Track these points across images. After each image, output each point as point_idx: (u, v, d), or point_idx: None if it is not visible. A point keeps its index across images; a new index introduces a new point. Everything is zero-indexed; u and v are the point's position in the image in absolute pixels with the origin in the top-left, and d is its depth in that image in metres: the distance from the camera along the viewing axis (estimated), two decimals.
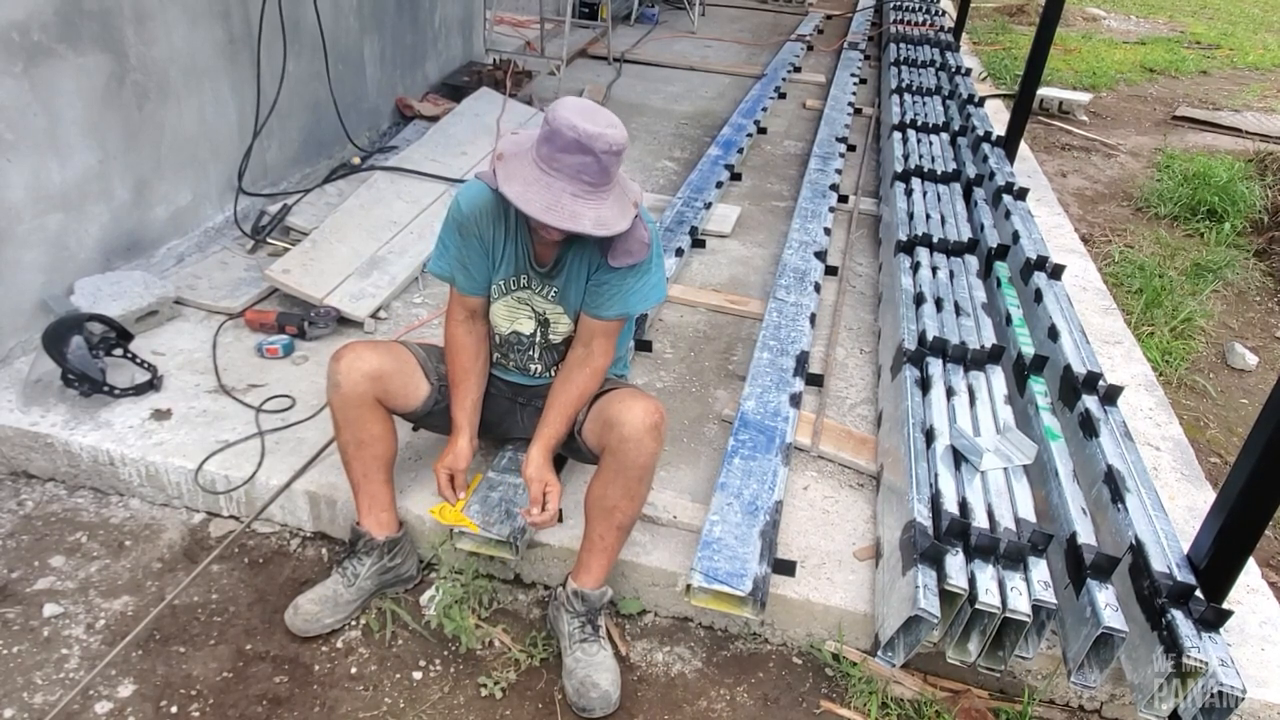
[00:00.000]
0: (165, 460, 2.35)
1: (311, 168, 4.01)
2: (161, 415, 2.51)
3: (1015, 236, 3.48)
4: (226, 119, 3.43)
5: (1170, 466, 2.67)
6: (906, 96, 5.48)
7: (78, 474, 2.44)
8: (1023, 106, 4.57)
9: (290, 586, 2.19)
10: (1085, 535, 1.98)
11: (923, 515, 2.01)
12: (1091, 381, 2.49)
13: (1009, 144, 4.68)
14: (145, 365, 2.61)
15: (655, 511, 2.26)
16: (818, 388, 2.88)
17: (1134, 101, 7.99)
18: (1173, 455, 2.72)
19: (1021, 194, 3.95)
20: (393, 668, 2.02)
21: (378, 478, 2.08)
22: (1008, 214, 3.70)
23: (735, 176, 4.64)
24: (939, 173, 4.16)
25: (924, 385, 2.52)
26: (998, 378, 2.59)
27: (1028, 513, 2.05)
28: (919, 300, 2.97)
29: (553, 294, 2.04)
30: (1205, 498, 2.53)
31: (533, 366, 2.18)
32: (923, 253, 3.33)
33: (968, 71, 6.31)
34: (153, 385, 2.59)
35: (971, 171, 4.23)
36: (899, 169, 4.22)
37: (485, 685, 1.97)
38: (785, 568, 2.11)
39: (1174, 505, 2.48)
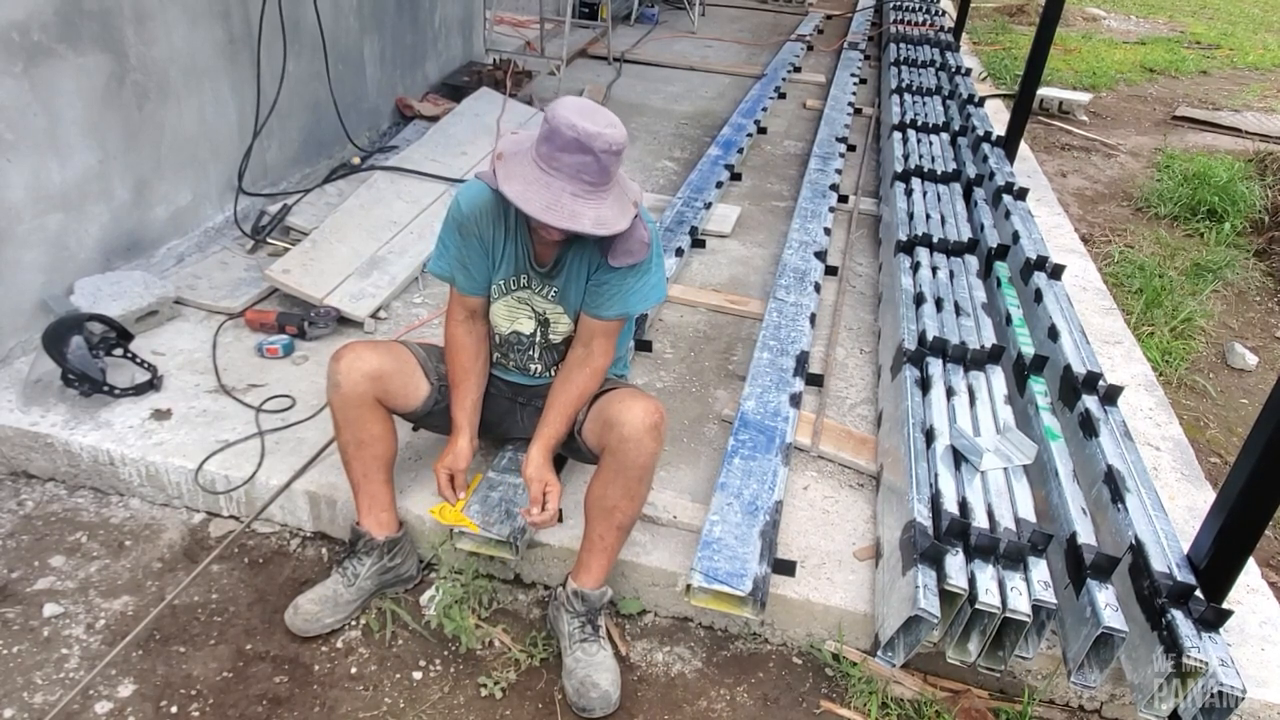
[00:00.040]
0: (165, 460, 2.35)
1: (311, 168, 4.01)
2: (161, 415, 2.51)
3: (1015, 236, 3.48)
4: (226, 119, 3.43)
5: (1170, 466, 2.67)
6: (906, 96, 5.48)
7: (78, 474, 2.44)
8: (1023, 106, 4.57)
9: (290, 586, 2.19)
10: (1085, 535, 1.98)
11: (923, 515, 2.01)
12: (1091, 381, 2.49)
13: (1009, 144, 4.68)
14: (145, 365, 2.61)
15: (655, 511, 2.26)
16: (818, 388, 2.88)
17: (1134, 101, 7.99)
18: (1173, 455, 2.72)
19: (1021, 194, 3.95)
20: (393, 668, 2.02)
21: (378, 478, 2.08)
22: (1008, 214, 3.70)
23: (735, 176, 4.64)
24: (939, 173, 4.16)
25: (924, 385, 2.52)
26: (998, 378, 2.59)
27: (1028, 513, 2.05)
28: (919, 300, 2.97)
29: (553, 294, 2.04)
30: (1205, 498, 2.53)
31: (533, 366, 2.18)
32: (923, 253, 3.33)
33: (968, 71, 6.31)
34: (153, 385, 2.60)
35: (971, 171, 4.23)
36: (899, 169, 4.22)
37: (485, 685, 1.97)
38: (785, 568, 2.11)
39: (1174, 505, 2.48)
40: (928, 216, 3.69)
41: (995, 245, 3.43)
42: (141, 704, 1.89)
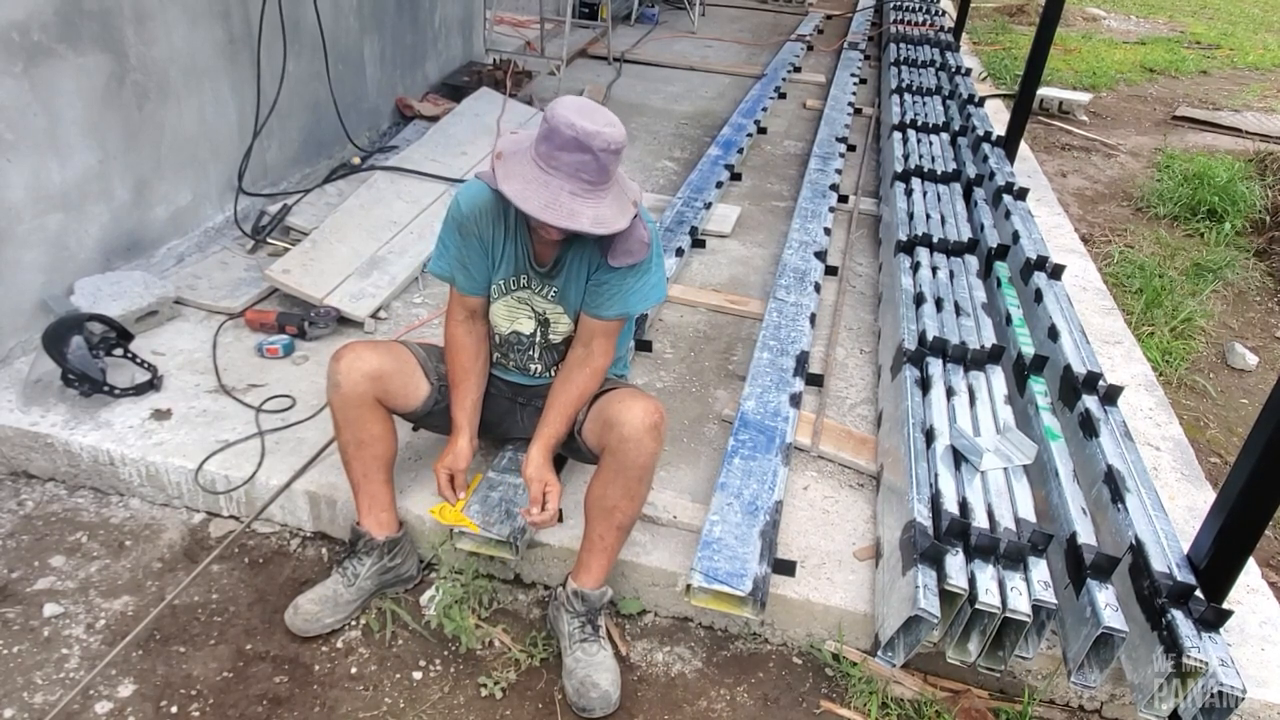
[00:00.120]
0: (165, 460, 2.35)
1: (311, 168, 4.01)
2: (161, 415, 2.51)
3: (1015, 236, 3.48)
4: (226, 119, 3.43)
5: (1170, 466, 2.67)
6: (906, 96, 5.48)
7: (78, 474, 2.44)
8: (1023, 106, 4.57)
9: (290, 586, 2.19)
10: (1085, 535, 1.98)
11: (923, 515, 2.01)
12: (1091, 381, 2.49)
13: (1009, 144, 4.68)
14: (145, 365, 2.61)
15: (655, 511, 2.26)
16: (818, 388, 2.88)
17: (1134, 101, 7.99)
18: (1173, 455, 2.72)
19: (1021, 194, 3.95)
20: (393, 668, 2.02)
21: (378, 478, 2.08)
22: (1008, 214, 3.70)
23: (735, 176, 4.64)
24: (939, 173, 4.16)
25: (924, 385, 2.52)
26: (998, 378, 2.59)
27: (1028, 513, 2.05)
28: (919, 300, 2.97)
29: (552, 294, 2.04)
30: (1205, 498, 2.53)
31: (533, 366, 2.18)
32: (923, 253, 3.33)
33: (968, 71, 6.31)
34: (153, 385, 2.59)
35: (971, 171, 4.23)
36: (899, 169, 4.22)
37: (485, 685, 1.97)
38: (785, 568, 2.11)
39: (1174, 505, 2.48)
40: (928, 216, 3.69)
41: (995, 245, 3.43)
42: (141, 704, 1.89)
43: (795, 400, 2.65)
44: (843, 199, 4.44)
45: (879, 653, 1.91)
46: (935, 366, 2.58)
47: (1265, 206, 5.36)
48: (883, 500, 2.34)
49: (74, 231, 2.82)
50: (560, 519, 2.12)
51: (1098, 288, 3.80)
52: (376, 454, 2.06)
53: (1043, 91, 7.07)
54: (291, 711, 1.90)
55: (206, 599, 2.15)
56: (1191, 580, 1.86)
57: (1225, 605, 1.83)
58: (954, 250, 3.39)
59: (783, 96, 6.32)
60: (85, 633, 2.04)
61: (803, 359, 2.87)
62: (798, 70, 7.05)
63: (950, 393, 2.48)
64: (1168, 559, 1.91)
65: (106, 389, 2.49)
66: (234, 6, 3.36)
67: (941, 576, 1.83)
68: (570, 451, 2.19)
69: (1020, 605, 1.79)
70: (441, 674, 2.02)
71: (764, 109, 5.71)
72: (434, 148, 4.12)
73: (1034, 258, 3.21)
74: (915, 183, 4.05)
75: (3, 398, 2.50)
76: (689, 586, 2.01)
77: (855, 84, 6.47)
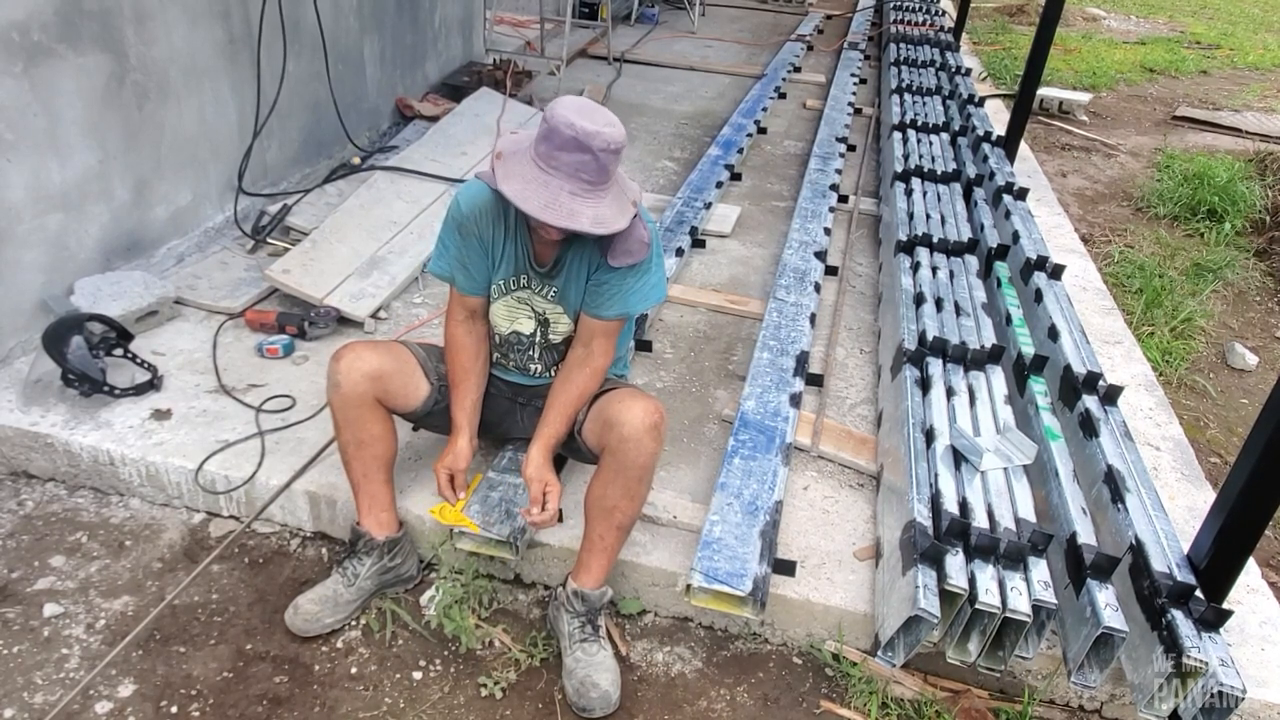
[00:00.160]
0: (165, 460, 2.35)
1: (311, 168, 4.01)
2: (161, 415, 2.51)
3: (1015, 236, 3.48)
4: (226, 119, 3.43)
5: (1170, 466, 2.67)
6: (906, 96, 5.48)
7: (78, 474, 2.44)
8: (1023, 106, 4.57)
9: (290, 586, 2.19)
10: (1085, 535, 1.98)
11: (923, 515, 2.01)
12: (1091, 381, 2.49)
13: (1009, 144, 4.68)
14: (145, 365, 2.61)
15: (655, 511, 2.26)
16: (818, 388, 2.88)
17: (1134, 101, 7.99)
18: (1173, 455, 2.72)
19: (1021, 194, 3.95)
20: (393, 668, 2.02)
21: (378, 478, 2.08)
22: (1008, 214, 3.70)
23: (735, 176, 4.64)
24: (939, 173, 4.16)
25: (924, 385, 2.52)
26: (998, 378, 2.59)
27: (1028, 513, 2.05)
28: (919, 300, 2.97)
29: (552, 294, 2.04)
30: (1205, 498, 2.53)
31: (533, 366, 2.18)
32: (923, 253, 3.33)
33: (968, 71, 6.31)
34: (153, 385, 2.60)
35: (971, 171, 4.23)
36: (899, 169, 4.22)
37: (485, 685, 1.97)
38: (785, 568, 2.11)
39: (1174, 505, 2.48)
40: (928, 216, 3.69)
41: (995, 245, 3.43)
42: (141, 704, 1.89)
43: (795, 400, 2.65)
44: (843, 199, 4.44)
45: (879, 653, 1.91)
46: (935, 366, 2.58)
47: (1265, 206, 5.36)
48: (883, 500, 2.34)
49: (74, 231, 2.82)
50: (560, 519, 2.12)
51: (1098, 288, 3.80)
52: (376, 454, 2.06)
53: (1043, 91, 7.07)
54: (291, 711, 1.90)
55: (206, 599, 2.15)
56: (1191, 580, 1.86)
57: (1225, 605, 1.83)
58: (954, 250, 3.39)
59: (783, 96, 6.32)
60: (85, 633, 2.04)
61: (803, 359, 2.87)
62: (798, 70, 7.05)
63: (950, 393, 2.48)
64: (1168, 559, 1.91)
65: (106, 389, 2.49)
66: (234, 6, 3.36)
67: (941, 576, 1.83)
68: (570, 451, 2.19)
69: (1020, 605, 1.79)
70: (441, 674, 2.02)
71: (764, 109, 5.71)
72: (434, 148, 4.12)
73: (1034, 258, 3.21)
74: (915, 183, 4.05)
75: (3, 398, 2.50)
76: (689, 586, 2.01)
77: (855, 84, 6.48)
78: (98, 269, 2.92)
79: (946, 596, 1.82)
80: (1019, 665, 2.02)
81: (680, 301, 3.40)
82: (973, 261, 3.34)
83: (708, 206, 4.05)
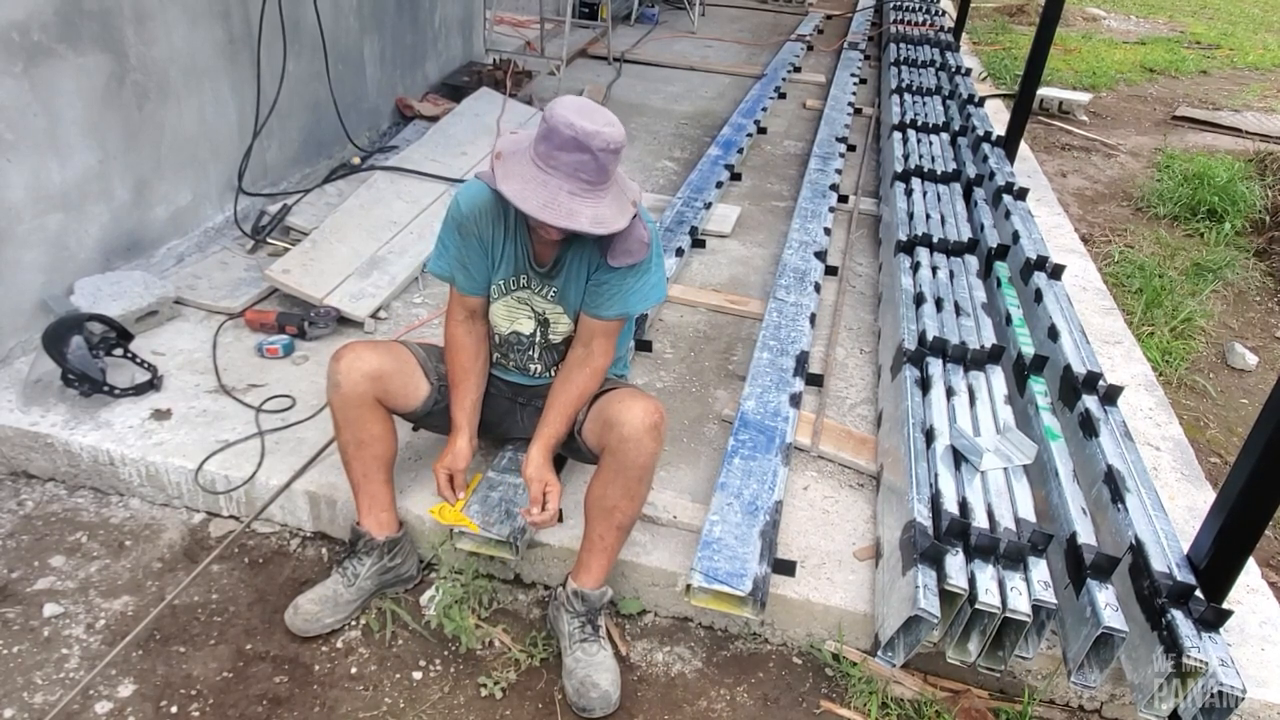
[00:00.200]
0: (165, 460, 2.35)
1: (311, 168, 4.01)
2: (161, 415, 2.51)
3: (1015, 236, 3.48)
4: (226, 119, 3.43)
5: (1170, 466, 2.67)
6: (906, 96, 5.48)
7: (78, 474, 2.44)
8: (1023, 106, 4.57)
9: (290, 586, 2.19)
10: (1085, 535, 1.98)
11: (923, 515, 2.01)
12: (1091, 381, 2.49)
13: (1009, 144, 4.68)
14: (145, 365, 2.61)
15: (655, 511, 2.26)
16: (818, 388, 2.88)
17: (1134, 101, 7.99)
18: (1173, 455, 2.72)
19: (1021, 194, 3.95)
20: (393, 668, 2.02)
21: (378, 478, 2.08)
22: (1008, 214, 3.70)
23: (735, 176, 4.64)
24: (939, 173, 4.16)
25: (924, 385, 2.52)
26: (998, 378, 2.59)
27: (1028, 513, 2.05)
28: (919, 300, 2.97)
29: (552, 294, 2.04)
30: (1205, 498, 2.53)
31: (532, 366, 2.18)
32: (923, 253, 3.33)
33: (968, 71, 6.31)
34: (153, 385, 2.59)
35: (971, 171, 4.23)
36: (899, 169, 4.22)
37: (485, 685, 1.97)
38: (785, 568, 2.11)
39: (1174, 505, 2.48)
40: (928, 216, 3.69)
41: (995, 245, 3.43)
42: (141, 704, 1.89)
43: (795, 400, 2.65)
44: (843, 199, 4.44)
45: (879, 653, 1.91)
46: (935, 366, 2.58)
47: (1265, 206, 5.36)
48: (883, 500, 2.34)
49: (74, 231, 2.82)
50: (560, 519, 2.12)
51: (1098, 288, 3.80)
52: (376, 454, 2.06)
53: (1043, 91, 7.07)
54: (291, 711, 1.90)
55: (206, 599, 2.15)
56: (1191, 580, 1.86)
57: (1225, 605, 1.83)
58: (954, 250, 3.39)
59: (783, 96, 6.32)
60: (85, 633, 2.04)
61: (803, 359, 2.87)
62: (798, 70, 7.05)
63: (950, 393, 2.48)
64: (1168, 559, 1.91)
65: (106, 389, 2.49)
66: (234, 6, 3.36)
67: (941, 576, 1.83)
68: (570, 451, 2.19)
69: (1020, 605, 1.79)
70: (441, 674, 2.02)
71: (764, 109, 5.71)
72: (434, 148, 4.12)
73: (1034, 258, 3.21)
74: (915, 183, 4.05)
75: (3, 398, 2.50)
76: (689, 586, 2.01)
77: (855, 84, 6.47)
78: (98, 269, 2.92)
79: (946, 596, 1.82)
80: (1019, 665, 2.02)
81: (680, 301, 3.40)
82: (973, 261, 3.34)
83: (708, 206, 4.05)
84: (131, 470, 2.38)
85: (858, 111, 5.98)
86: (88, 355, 2.47)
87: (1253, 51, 10.36)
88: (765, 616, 2.12)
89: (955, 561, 1.86)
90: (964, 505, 2.06)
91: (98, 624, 2.06)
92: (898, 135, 4.73)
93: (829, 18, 9.50)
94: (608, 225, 1.76)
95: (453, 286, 2.08)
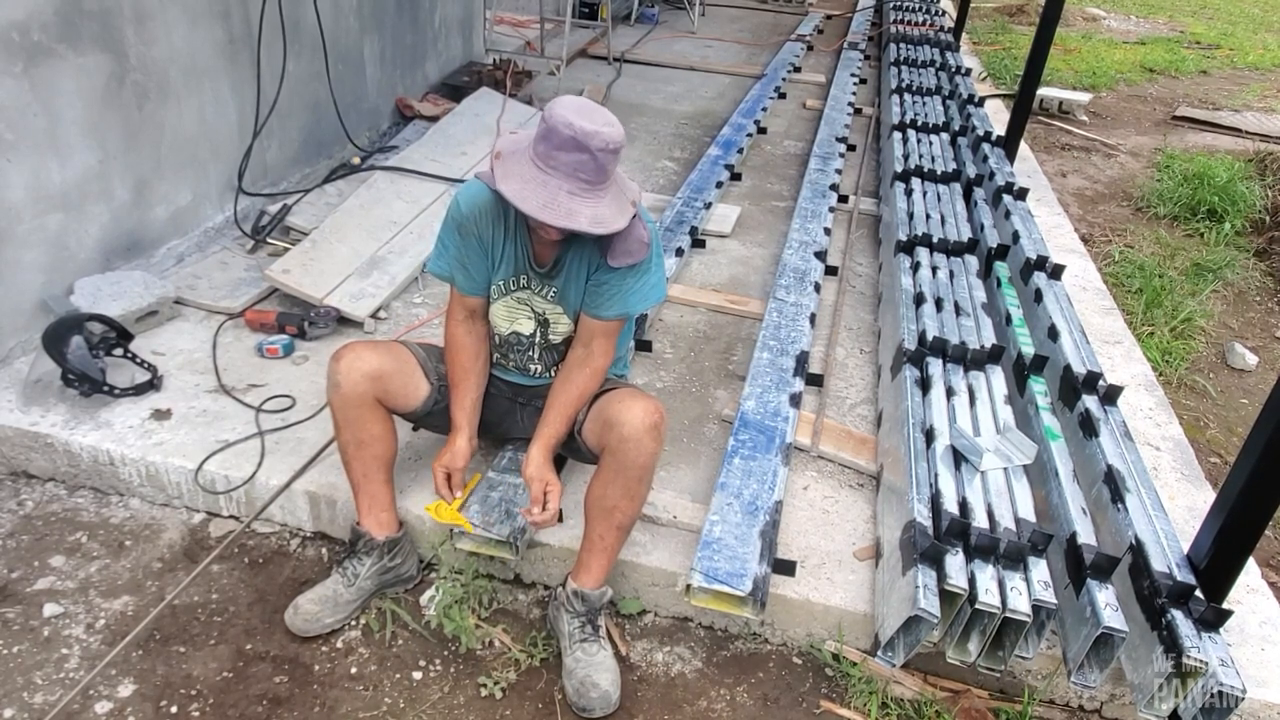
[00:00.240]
0: (165, 460, 2.35)
1: (311, 168, 4.01)
2: (161, 415, 2.51)
3: (1015, 236, 3.48)
4: (226, 119, 3.43)
5: (1170, 466, 2.67)
6: (906, 96, 5.48)
7: (78, 474, 2.44)
8: (1023, 106, 4.57)
9: (290, 586, 2.19)
10: (1085, 535, 1.98)
11: (923, 515, 2.01)
12: (1091, 381, 2.49)
13: (1009, 144, 4.68)
14: (145, 365, 2.61)
15: (655, 511, 2.26)
16: (818, 388, 2.88)
17: (1134, 101, 7.99)
18: (1173, 455, 2.72)
19: (1021, 194, 3.95)
20: (393, 668, 2.02)
21: (378, 478, 2.08)
22: (1008, 214, 3.70)
23: (735, 176, 4.64)
24: (939, 173, 4.16)
25: (924, 385, 2.52)
26: (998, 378, 2.59)
27: (1028, 513, 2.05)
28: (919, 300, 2.97)
29: (552, 294, 2.04)
30: (1205, 498, 2.53)
31: (532, 367, 2.18)
32: (923, 253, 3.33)
33: (968, 71, 6.31)
34: (153, 385, 2.59)
35: (971, 171, 4.23)
36: (899, 169, 4.22)
37: (485, 685, 1.97)
38: (785, 568, 2.11)
39: (1174, 505, 2.48)
40: (928, 216, 3.69)
41: (995, 245, 3.43)
42: (141, 704, 1.89)
43: (795, 400, 2.65)
44: (843, 199, 4.44)
45: (879, 653, 1.91)
46: (935, 366, 2.58)
47: (1265, 206, 5.36)
48: (883, 500, 2.34)
49: (74, 231, 2.82)
50: (560, 519, 2.12)
51: (1098, 288, 3.80)
52: (376, 454, 2.06)
53: (1043, 91, 7.07)
54: (291, 711, 1.90)
55: (206, 599, 2.15)
56: (1191, 580, 1.86)
57: (1225, 605, 1.83)
58: (954, 250, 3.39)
59: (783, 96, 6.32)
60: (85, 633, 2.04)
61: (803, 359, 2.87)
62: (798, 70, 7.05)
63: (950, 393, 2.48)
64: (1168, 559, 1.91)
65: (106, 389, 2.49)
66: (234, 6, 3.36)
67: (941, 576, 1.83)
68: (570, 451, 2.19)
69: (1020, 605, 1.79)
70: (441, 674, 2.02)
71: (764, 109, 5.71)
72: (434, 148, 4.12)
73: (1034, 258, 3.21)
74: (915, 183, 4.05)
75: (3, 398, 2.50)
76: (689, 586, 2.01)
77: (855, 84, 6.48)
78: (98, 269, 2.92)
79: (946, 596, 1.82)
80: (1019, 665, 2.02)
81: (680, 301, 3.40)
82: (973, 261, 3.34)
83: (708, 206, 4.05)
84: (131, 470, 2.38)
85: (858, 111, 5.98)
86: (88, 355, 2.47)
87: (1253, 51, 10.36)
88: (765, 616, 2.12)
89: (955, 561, 1.86)
90: (964, 505, 2.06)
91: (98, 624, 2.06)
92: (898, 135, 4.73)
93: (829, 18, 9.50)
94: (607, 225, 1.76)
95: (453, 286, 2.08)
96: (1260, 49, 10.55)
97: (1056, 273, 3.16)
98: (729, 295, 3.45)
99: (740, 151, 4.86)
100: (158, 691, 1.92)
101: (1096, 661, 1.82)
